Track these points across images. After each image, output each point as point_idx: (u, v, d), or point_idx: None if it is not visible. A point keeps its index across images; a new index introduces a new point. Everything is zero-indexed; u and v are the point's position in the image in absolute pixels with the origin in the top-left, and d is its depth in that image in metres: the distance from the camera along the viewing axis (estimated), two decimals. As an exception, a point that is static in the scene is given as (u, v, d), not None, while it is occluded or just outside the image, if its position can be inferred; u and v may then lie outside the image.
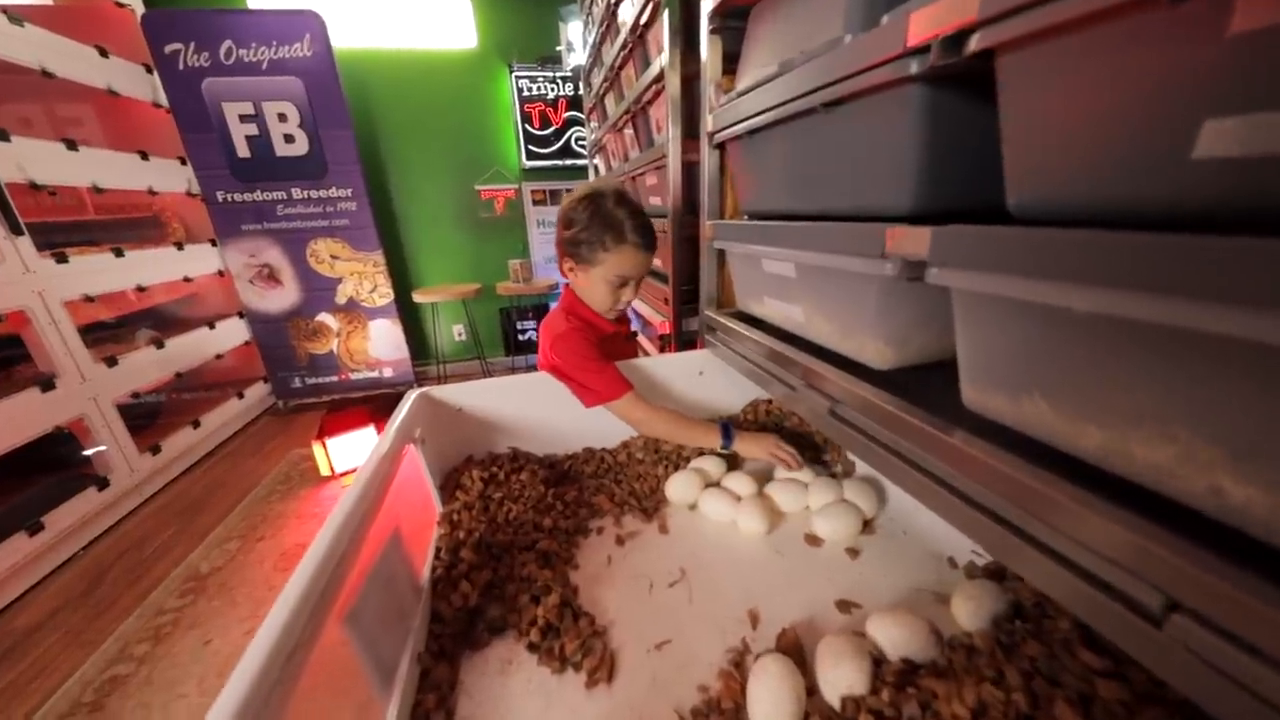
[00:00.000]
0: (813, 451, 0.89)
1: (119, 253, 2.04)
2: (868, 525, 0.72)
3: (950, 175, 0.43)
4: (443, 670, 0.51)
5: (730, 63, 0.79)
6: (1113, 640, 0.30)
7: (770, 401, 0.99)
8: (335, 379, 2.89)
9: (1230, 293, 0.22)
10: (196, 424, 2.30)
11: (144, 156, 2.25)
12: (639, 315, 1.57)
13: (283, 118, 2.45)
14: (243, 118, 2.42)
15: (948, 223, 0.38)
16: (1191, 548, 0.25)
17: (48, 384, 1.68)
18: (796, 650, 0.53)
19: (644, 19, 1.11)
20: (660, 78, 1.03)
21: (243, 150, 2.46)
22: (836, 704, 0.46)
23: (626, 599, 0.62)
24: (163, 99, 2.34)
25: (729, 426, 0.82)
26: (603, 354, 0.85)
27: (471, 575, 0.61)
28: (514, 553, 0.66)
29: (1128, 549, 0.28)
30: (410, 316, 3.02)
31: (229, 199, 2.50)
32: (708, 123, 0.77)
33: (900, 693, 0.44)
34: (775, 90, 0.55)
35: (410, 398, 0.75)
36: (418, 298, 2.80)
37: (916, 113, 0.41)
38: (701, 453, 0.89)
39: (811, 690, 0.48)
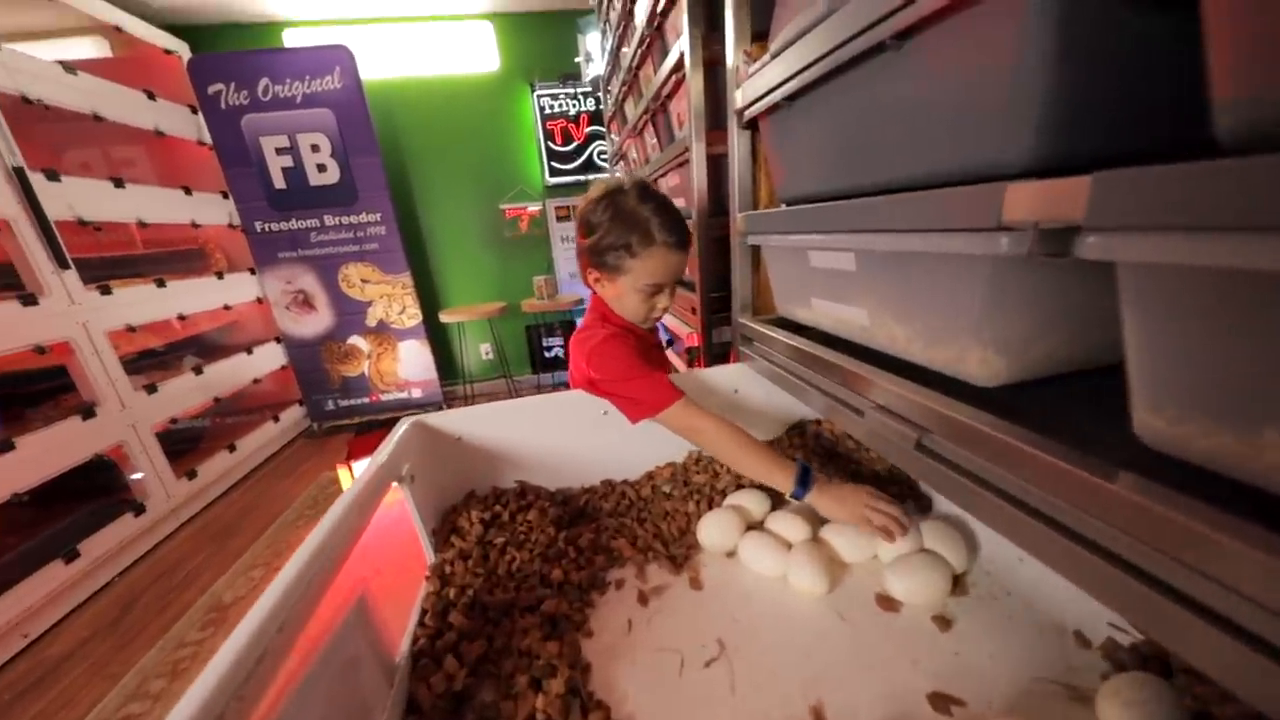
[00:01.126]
0: (874, 483, 0.74)
1: (161, 283, 2.11)
2: (958, 582, 0.57)
3: (1092, 105, 0.30)
4: (414, 784, 0.40)
5: (757, 39, 0.68)
6: None
7: (819, 422, 0.85)
8: (367, 400, 2.91)
9: None
10: (233, 448, 2.34)
11: (187, 192, 2.35)
12: (664, 327, 1.45)
13: (315, 148, 2.52)
14: (279, 150, 2.50)
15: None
16: None
17: (88, 412, 1.71)
18: (883, 776, 0.38)
19: (660, 6, 1.02)
20: (680, 66, 0.94)
21: (279, 182, 2.54)
22: None
23: (650, 681, 0.49)
24: (206, 137, 2.45)
25: (809, 470, 0.62)
26: (646, 360, 0.74)
27: (460, 648, 0.50)
28: (514, 615, 0.55)
29: None
30: (438, 337, 3.02)
31: (266, 229, 2.58)
32: (735, 99, 0.66)
33: None
34: (826, 34, 0.44)
35: (400, 428, 0.66)
36: (445, 318, 2.79)
37: (1044, 6, 0.28)
38: (739, 485, 0.75)
39: (911, 844, 0.34)
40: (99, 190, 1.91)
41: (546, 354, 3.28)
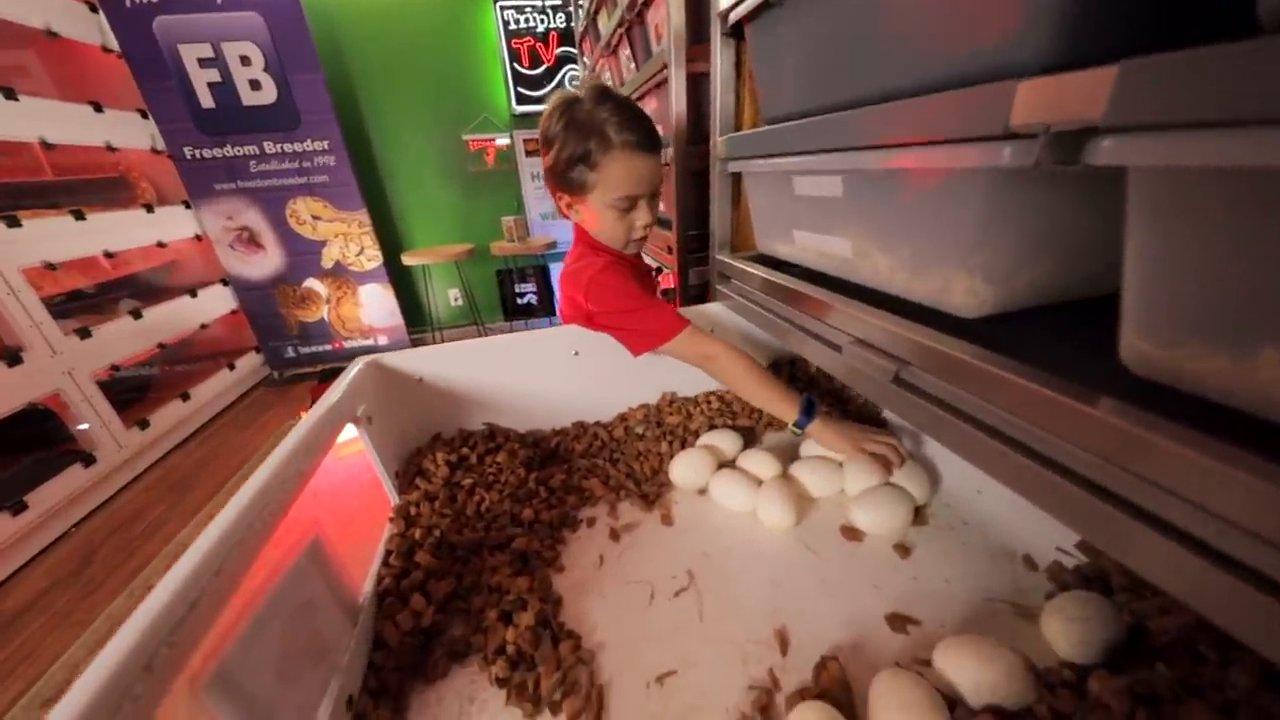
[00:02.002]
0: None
1: (79, 216, 1.89)
2: (919, 514, 0.59)
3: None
4: (383, 715, 0.40)
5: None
6: None
7: (794, 363, 0.84)
8: (329, 348, 2.78)
9: None
10: (186, 397, 2.22)
11: (98, 108, 2.05)
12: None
13: (245, 61, 2.22)
14: (202, 62, 2.20)
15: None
16: None
17: (14, 358, 1.57)
18: (842, 689, 0.40)
19: (637, -110, 0.89)
20: (658, -35, 0.83)
21: (206, 100, 2.25)
22: (902, 774, 0.34)
23: (621, 612, 0.50)
24: (113, 42, 2.12)
25: (814, 402, 0.63)
26: (643, 289, 0.71)
27: (428, 586, 0.49)
28: (484, 554, 0.54)
29: None
30: (402, 281, 2.87)
31: (198, 155, 2.31)
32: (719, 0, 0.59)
33: (995, 766, 0.32)
34: (822, -95, 0.37)
35: (353, 368, 0.61)
36: (407, 260, 2.63)
37: None
38: (713, 424, 0.75)
39: (864, 747, 0.36)
40: (-16, 102, 1.64)
41: (519, 300, 3.17)
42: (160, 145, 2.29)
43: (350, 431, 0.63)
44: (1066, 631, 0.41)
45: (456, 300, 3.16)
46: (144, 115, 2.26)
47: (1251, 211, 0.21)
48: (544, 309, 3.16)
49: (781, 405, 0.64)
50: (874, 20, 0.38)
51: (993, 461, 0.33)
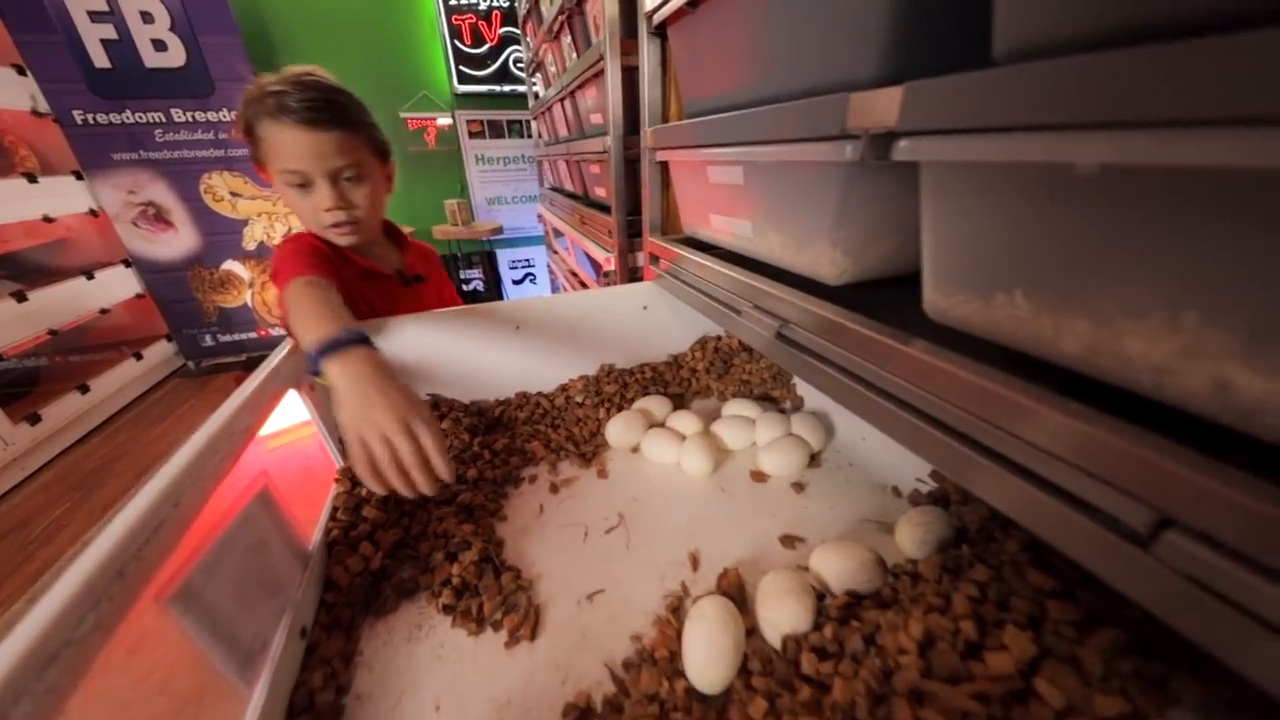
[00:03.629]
0: (762, 387, 0.85)
1: (-58, 183, 1.66)
2: (814, 459, 0.69)
3: (929, 24, 0.35)
4: (335, 643, 0.44)
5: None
6: (1089, 564, 0.26)
7: (719, 338, 0.93)
8: (253, 335, 2.61)
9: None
10: (85, 389, 2.02)
11: (-40, 60, 1.80)
12: (586, 255, 1.44)
13: (147, 17, 2.02)
14: (94, 15, 1.97)
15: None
16: (1197, 457, 0.21)
17: None
18: (738, 590, 0.49)
19: (573, -116, 0.92)
20: (594, -41, 0.87)
21: (100, 59, 2.02)
22: (777, 643, 0.43)
23: (557, 549, 0.56)
24: (-24, -15, 1.86)
25: (341, 341, 0.50)
26: (354, 292, 0.67)
27: (376, 535, 0.53)
28: (430, 508, 0.58)
29: (1113, 460, 0.24)
30: (336, 264, 2.73)
31: (90, 120, 2.08)
32: (645, 0, 0.65)
33: (844, 627, 0.41)
34: (718, -67, 0.44)
35: (286, 346, 0.62)
36: (342, 242, 2.51)
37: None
38: (647, 392, 0.83)
39: (752, 630, 0.45)
40: None
41: (465, 286, 3.11)
42: (43, 107, 2.04)
43: (292, 417, 0.65)
44: (911, 535, 0.52)
45: (397, 286, 3.05)
46: (20, 72, 2.00)
47: (985, 194, 0.30)
48: (490, 296, 3.12)
49: (306, 337, 0.51)
50: (760, 37, 0.46)
51: (852, 399, 0.42)
